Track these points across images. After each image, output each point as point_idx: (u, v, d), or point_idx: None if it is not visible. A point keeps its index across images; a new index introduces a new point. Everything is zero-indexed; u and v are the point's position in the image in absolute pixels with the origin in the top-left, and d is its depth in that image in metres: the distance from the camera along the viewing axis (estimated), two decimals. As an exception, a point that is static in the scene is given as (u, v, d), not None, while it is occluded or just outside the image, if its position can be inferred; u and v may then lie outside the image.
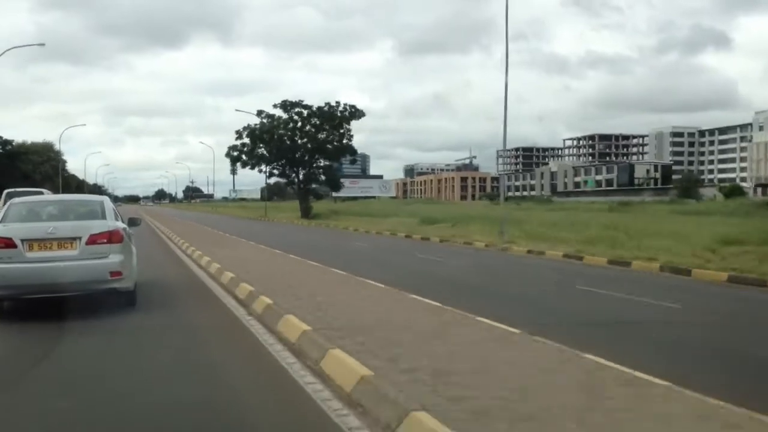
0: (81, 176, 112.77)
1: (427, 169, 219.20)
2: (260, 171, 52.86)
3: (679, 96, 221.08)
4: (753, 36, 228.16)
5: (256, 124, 51.37)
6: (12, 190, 21.32)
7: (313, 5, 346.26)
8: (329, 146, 50.43)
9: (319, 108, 50.35)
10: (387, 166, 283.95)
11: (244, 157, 51.61)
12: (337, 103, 50.40)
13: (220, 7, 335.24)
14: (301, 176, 51.96)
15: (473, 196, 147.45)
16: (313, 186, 53.16)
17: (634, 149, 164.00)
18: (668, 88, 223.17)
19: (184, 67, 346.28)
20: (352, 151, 52.40)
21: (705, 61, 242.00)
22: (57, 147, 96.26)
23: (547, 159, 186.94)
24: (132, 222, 9.90)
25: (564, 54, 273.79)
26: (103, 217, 8.48)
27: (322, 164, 52.41)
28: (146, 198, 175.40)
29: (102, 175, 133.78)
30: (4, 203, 12.13)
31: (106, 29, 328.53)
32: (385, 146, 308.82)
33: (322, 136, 50.55)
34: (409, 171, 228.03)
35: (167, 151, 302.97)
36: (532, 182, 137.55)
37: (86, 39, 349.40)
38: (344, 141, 50.74)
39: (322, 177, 52.94)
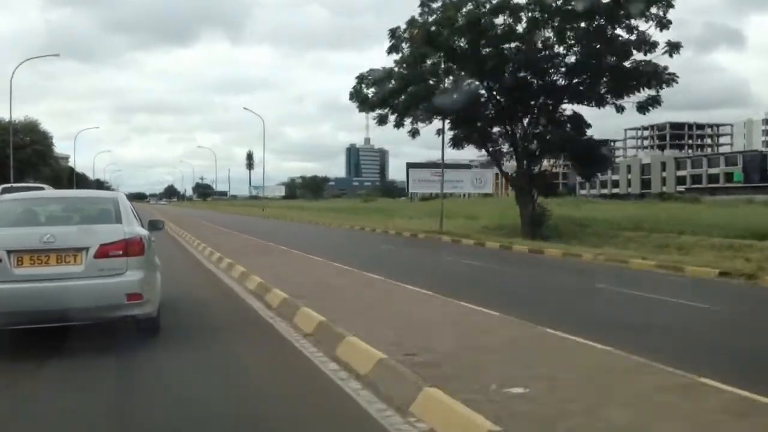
0: (85, 173, 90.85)
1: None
2: (412, 132, 25.99)
3: (691, 94, 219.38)
4: (766, 34, 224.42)
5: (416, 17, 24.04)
6: (9, 185, 19.51)
7: (322, 3, 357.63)
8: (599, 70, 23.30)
9: None
10: (394, 164, 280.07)
11: (394, 99, 24.79)
12: None
13: (231, 5, 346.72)
14: (522, 137, 25.11)
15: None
16: (541, 168, 25.93)
17: (708, 140, 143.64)
18: (680, 85, 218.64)
19: (193, 65, 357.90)
20: (661, 79, 22.51)
21: (717, 59, 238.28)
22: (42, 126, 73.41)
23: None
24: (153, 226, 7.20)
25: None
26: (118, 220, 6.33)
27: (565, 116, 25.12)
28: (153, 195, 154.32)
29: (102, 168, 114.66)
30: None
31: (116, 27, 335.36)
32: (390, 144, 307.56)
33: (578, 47, 23.19)
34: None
35: (174, 148, 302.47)
36: (614, 177, 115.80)
37: (96, 36, 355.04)
38: (631, 56, 22.80)
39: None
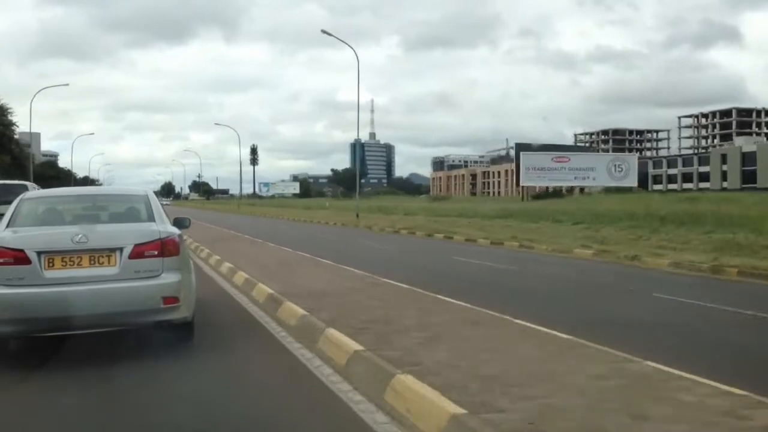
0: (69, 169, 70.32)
1: (459, 161, 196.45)
2: None
3: (688, 91, 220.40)
4: (761, 31, 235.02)
5: None
6: None
7: (319, 2, 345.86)
8: None
9: None
10: (398, 161, 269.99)
11: None
12: None
13: (225, 3, 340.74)
14: None
15: (582, 189, 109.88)
16: None
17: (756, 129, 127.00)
18: (676, 82, 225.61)
19: (187, 63, 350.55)
20: None
21: (713, 56, 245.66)
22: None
23: (643, 143, 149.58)
24: (179, 223, 6.39)
25: (572, 50, 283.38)
26: (150, 218, 5.91)
27: None
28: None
29: (88, 161, 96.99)
30: None
31: (109, 25, 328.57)
32: (389, 141, 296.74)
33: None
34: (438, 164, 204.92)
35: (167, 147, 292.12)
36: (702, 169, 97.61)
37: (89, 35, 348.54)
38: None
39: None
